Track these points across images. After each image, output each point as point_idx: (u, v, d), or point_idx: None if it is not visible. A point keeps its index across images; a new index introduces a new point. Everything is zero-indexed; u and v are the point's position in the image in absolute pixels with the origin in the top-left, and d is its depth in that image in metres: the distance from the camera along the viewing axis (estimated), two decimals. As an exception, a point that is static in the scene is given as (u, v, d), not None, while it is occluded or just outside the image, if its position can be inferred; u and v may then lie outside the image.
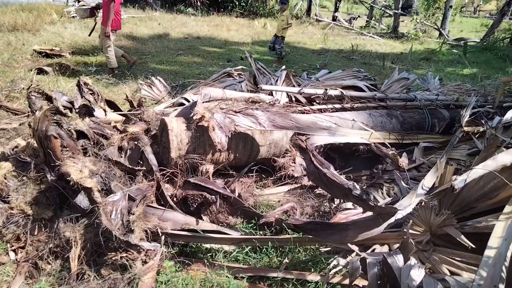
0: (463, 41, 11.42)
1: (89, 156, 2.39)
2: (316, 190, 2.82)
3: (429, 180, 2.03)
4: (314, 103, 3.58)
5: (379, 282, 1.70)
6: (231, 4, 15.57)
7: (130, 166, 2.41)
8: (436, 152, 3.33)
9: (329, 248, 2.19)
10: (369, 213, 1.92)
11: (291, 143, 1.81)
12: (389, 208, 1.86)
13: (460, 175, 1.79)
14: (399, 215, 1.88)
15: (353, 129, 3.14)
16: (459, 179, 1.74)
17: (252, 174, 2.83)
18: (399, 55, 9.75)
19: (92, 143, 2.57)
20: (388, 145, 3.09)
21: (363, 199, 1.78)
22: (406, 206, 1.92)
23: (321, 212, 2.60)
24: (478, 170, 1.77)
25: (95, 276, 1.89)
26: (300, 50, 10.02)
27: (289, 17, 8.16)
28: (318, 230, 2.03)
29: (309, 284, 1.96)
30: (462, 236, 1.70)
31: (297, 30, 13.17)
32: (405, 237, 1.84)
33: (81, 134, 2.57)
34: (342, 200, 2.63)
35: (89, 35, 6.71)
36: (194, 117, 2.54)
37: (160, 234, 2.05)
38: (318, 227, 2.03)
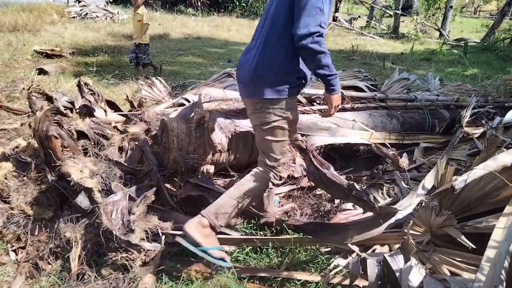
0: (464, 42, 11.42)
1: (90, 156, 2.39)
2: (315, 190, 2.82)
3: (429, 180, 2.03)
4: (315, 103, 3.58)
5: (379, 282, 1.70)
6: (231, 5, 15.58)
7: (130, 167, 2.41)
8: (437, 152, 3.32)
9: (330, 249, 2.19)
10: (369, 214, 1.92)
11: (291, 144, 1.82)
12: (389, 208, 1.86)
13: (460, 176, 1.79)
14: (399, 215, 1.89)
15: (353, 129, 3.14)
16: (459, 179, 1.74)
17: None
18: (400, 56, 9.76)
19: (92, 143, 2.57)
20: (389, 146, 3.09)
21: (363, 200, 1.78)
22: (406, 206, 1.92)
23: (321, 213, 2.60)
24: (479, 171, 1.77)
25: (95, 276, 1.89)
26: (301, 50, 10.01)
27: (147, 16, 6.02)
28: (318, 231, 2.02)
29: (310, 284, 1.96)
30: (463, 237, 1.70)
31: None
32: (405, 237, 1.84)
33: (81, 134, 2.57)
34: (342, 201, 2.63)
35: None
36: (195, 117, 2.54)
37: (161, 234, 2.05)
38: (318, 228, 2.03)
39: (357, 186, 2.85)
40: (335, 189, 1.80)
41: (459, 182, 1.72)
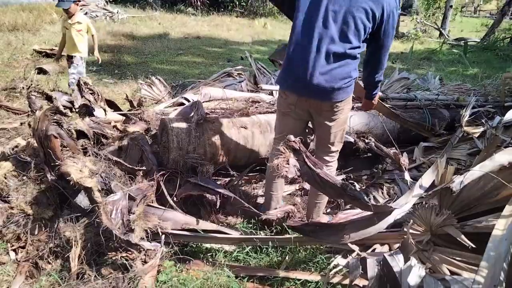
0: (464, 41, 11.42)
1: (89, 155, 2.39)
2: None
3: (427, 179, 2.03)
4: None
5: (379, 282, 1.70)
6: (231, 4, 15.56)
7: (130, 166, 2.41)
8: (436, 151, 3.32)
9: (330, 248, 2.19)
10: (368, 213, 1.93)
11: (284, 145, 1.82)
12: (384, 206, 1.86)
13: (459, 175, 1.79)
14: (396, 213, 1.89)
15: (353, 128, 3.14)
16: (456, 181, 1.74)
17: (252, 174, 2.83)
18: (400, 55, 9.76)
19: (92, 142, 2.57)
20: (393, 142, 3.08)
21: (357, 198, 1.77)
22: (402, 204, 1.92)
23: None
24: (477, 171, 1.77)
25: (95, 275, 1.89)
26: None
27: (90, 24, 4.85)
28: (316, 231, 2.03)
29: (310, 283, 1.96)
30: (462, 236, 1.70)
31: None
32: (405, 237, 1.84)
33: (81, 134, 2.57)
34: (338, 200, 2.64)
35: None
36: (194, 117, 2.54)
37: (160, 234, 2.05)
38: (316, 228, 2.04)
39: (357, 186, 2.86)
40: (329, 189, 1.80)
41: (456, 184, 1.72)
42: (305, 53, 1.96)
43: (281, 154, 2.29)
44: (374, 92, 2.31)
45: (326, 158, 2.27)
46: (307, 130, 2.51)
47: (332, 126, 2.14)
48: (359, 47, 1.96)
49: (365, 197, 1.80)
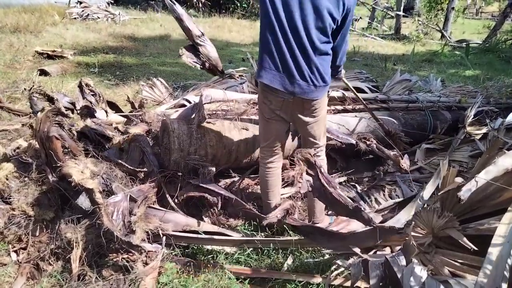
0: (466, 43, 11.41)
1: (91, 157, 2.39)
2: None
3: (429, 191, 2.04)
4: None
5: (381, 284, 1.69)
6: (232, 6, 15.58)
7: (131, 167, 2.41)
8: (438, 154, 3.32)
9: (331, 250, 2.18)
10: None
11: (299, 156, 1.79)
12: (389, 229, 1.87)
13: (465, 182, 1.78)
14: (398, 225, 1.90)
15: (354, 130, 3.14)
16: (464, 189, 1.72)
17: (254, 176, 2.83)
18: (401, 57, 9.74)
19: (93, 144, 2.57)
20: (393, 145, 3.08)
21: (367, 220, 1.80)
22: (403, 222, 1.94)
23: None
24: (482, 175, 1.76)
25: (96, 277, 1.89)
26: (302, 51, 10.00)
27: None
28: (315, 234, 2.02)
29: (311, 285, 1.96)
30: (464, 238, 1.69)
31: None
32: (407, 239, 1.83)
33: (82, 135, 2.57)
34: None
35: None
36: (196, 118, 2.54)
37: (161, 235, 2.05)
38: (316, 232, 2.03)
39: (359, 188, 2.85)
40: (340, 208, 1.81)
41: (464, 191, 1.70)
42: (289, 53, 1.96)
43: (275, 167, 2.31)
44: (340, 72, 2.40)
45: (316, 153, 2.29)
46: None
47: (315, 123, 2.18)
48: (330, 42, 2.02)
49: (374, 220, 1.81)
